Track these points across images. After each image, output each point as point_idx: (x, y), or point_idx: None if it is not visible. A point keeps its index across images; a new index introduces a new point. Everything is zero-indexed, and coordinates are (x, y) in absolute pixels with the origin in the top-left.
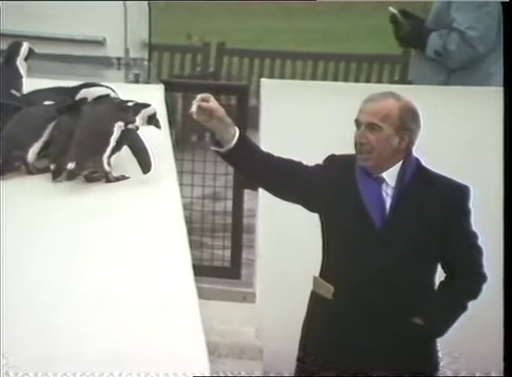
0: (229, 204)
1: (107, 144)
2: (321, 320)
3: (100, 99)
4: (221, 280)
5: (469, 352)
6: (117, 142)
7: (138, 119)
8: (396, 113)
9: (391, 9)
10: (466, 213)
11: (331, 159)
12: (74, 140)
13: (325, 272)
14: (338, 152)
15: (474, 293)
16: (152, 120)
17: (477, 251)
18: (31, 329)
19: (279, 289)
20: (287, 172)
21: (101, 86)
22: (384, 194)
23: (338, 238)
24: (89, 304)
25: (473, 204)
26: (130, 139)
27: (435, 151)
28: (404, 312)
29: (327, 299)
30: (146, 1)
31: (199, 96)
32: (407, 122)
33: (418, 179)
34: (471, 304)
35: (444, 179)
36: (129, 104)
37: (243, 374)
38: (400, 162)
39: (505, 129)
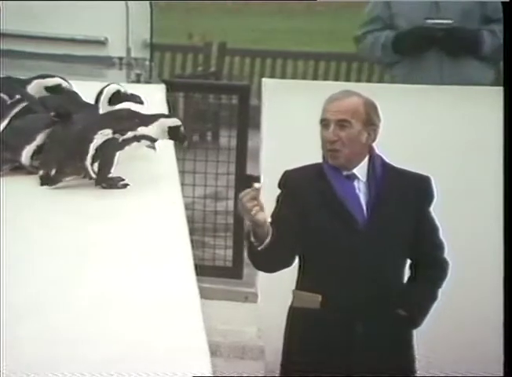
0: (231, 204)
1: (86, 151)
2: (308, 331)
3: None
4: (222, 280)
5: (469, 352)
6: (96, 150)
7: (152, 128)
8: (362, 109)
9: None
10: (431, 201)
11: (289, 175)
12: (60, 146)
13: (307, 284)
14: None
15: (442, 280)
16: (174, 133)
17: (439, 238)
18: (33, 330)
19: (280, 289)
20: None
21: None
22: (357, 191)
23: (321, 245)
24: (91, 304)
25: (473, 204)
26: (104, 147)
27: (435, 150)
28: (391, 307)
29: (312, 310)
30: (148, 2)
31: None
32: (372, 116)
33: (387, 173)
34: (471, 304)
35: (407, 172)
36: (140, 112)
37: (244, 374)
38: (367, 158)
39: (505, 129)
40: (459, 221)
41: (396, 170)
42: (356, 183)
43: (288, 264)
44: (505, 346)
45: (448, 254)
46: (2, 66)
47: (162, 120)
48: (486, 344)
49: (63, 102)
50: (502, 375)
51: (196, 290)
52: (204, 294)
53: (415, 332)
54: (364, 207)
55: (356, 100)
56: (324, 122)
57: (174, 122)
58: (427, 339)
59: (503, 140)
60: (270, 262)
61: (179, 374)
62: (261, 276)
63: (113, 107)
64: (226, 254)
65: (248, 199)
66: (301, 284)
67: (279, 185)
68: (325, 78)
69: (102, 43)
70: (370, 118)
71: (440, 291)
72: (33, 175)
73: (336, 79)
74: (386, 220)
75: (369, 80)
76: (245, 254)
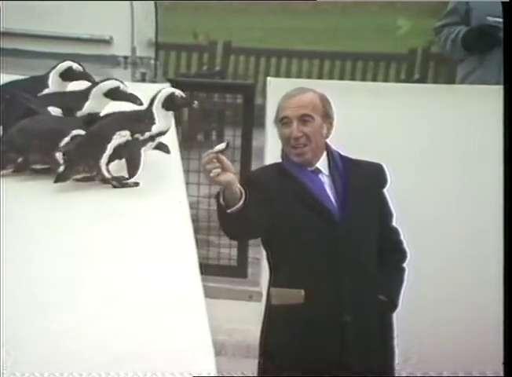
0: None
1: (103, 150)
2: (293, 327)
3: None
4: (227, 279)
5: (469, 352)
6: (114, 150)
7: (160, 120)
8: (319, 102)
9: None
10: (385, 186)
11: (251, 176)
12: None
13: (285, 280)
14: (343, 150)
15: (405, 261)
16: (169, 103)
17: (393, 223)
18: (38, 328)
19: None
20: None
21: (111, 79)
22: (324, 184)
23: (298, 239)
24: (96, 303)
25: (473, 204)
26: (128, 150)
27: (435, 150)
28: (374, 294)
29: (296, 305)
30: (152, 1)
31: (214, 150)
32: (328, 110)
33: (346, 165)
34: (471, 304)
35: (362, 161)
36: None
37: (249, 373)
38: (325, 153)
39: (505, 129)
40: (459, 221)
41: (352, 161)
42: (321, 177)
43: (256, 235)
44: (505, 346)
45: (449, 255)
46: (8, 65)
47: (157, 98)
48: (486, 344)
49: (69, 100)
50: (502, 375)
51: (201, 289)
52: (209, 293)
53: (418, 333)
54: (333, 200)
55: (312, 94)
56: (285, 120)
57: (167, 91)
58: (427, 340)
59: (503, 140)
60: (237, 228)
61: (184, 373)
62: (266, 275)
63: (167, 111)
64: (231, 253)
65: (207, 160)
66: (277, 282)
67: (249, 183)
68: (330, 77)
69: (107, 42)
70: (327, 112)
71: (442, 291)
72: (39, 175)
73: (341, 78)
74: (357, 209)
75: (374, 79)
76: (250, 253)
